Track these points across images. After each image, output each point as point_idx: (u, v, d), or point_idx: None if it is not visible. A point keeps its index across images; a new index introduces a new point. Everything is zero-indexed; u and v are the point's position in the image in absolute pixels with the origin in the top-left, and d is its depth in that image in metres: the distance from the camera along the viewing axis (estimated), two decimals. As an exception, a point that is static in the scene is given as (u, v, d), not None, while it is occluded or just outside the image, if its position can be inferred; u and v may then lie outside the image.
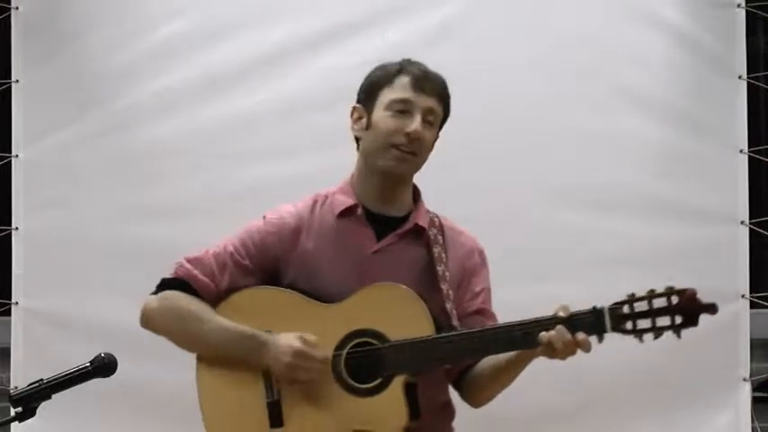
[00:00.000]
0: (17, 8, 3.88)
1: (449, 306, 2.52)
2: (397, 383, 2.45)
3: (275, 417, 2.52)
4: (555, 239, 3.73)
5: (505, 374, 2.52)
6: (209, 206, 3.77)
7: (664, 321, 2.33)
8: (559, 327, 2.36)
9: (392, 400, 2.45)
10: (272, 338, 2.52)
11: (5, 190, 3.92)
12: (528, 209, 3.73)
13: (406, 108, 2.55)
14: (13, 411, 2.17)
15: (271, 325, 2.55)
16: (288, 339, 2.50)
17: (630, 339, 3.45)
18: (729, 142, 3.87)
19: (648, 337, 2.35)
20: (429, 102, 2.57)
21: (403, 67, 2.60)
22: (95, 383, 2.23)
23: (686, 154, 3.85)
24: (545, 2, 3.84)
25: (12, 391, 2.23)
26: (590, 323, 2.36)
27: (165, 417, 3.75)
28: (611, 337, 3.41)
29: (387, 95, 2.57)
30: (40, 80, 3.88)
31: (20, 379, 3.77)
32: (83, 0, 3.89)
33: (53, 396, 2.18)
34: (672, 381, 3.78)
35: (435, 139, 2.63)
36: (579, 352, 2.38)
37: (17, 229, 3.87)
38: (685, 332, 3.74)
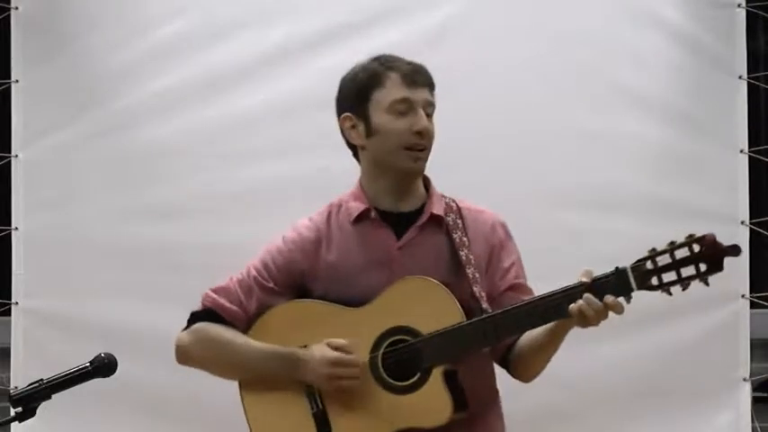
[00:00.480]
0: (17, 8, 3.87)
1: (476, 290, 2.53)
2: (437, 375, 2.46)
3: (323, 426, 2.54)
4: (555, 239, 3.73)
5: (545, 349, 2.53)
6: (209, 206, 3.78)
7: (689, 271, 2.32)
8: (586, 295, 2.36)
9: (434, 393, 2.45)
10: (308, 353, 2.54)
11: (5, 190, 3.92)
12: (528, 209, 3.72)
13: (407, 107, 2.55)
14: (13, 411, 2.17)
15: (306, 338, 2.57)
16: (321, 351, 2.51)
17: (629, 342, 3.45)
18: (729, 142, 3.87)
19: (676, 289, 2.34)
20: (424, 94, 2.59)
21: (386, 65, 2.59)
22: (95, 383, 2.23)
23: (686, 154, 3.85)
24: (545, 2, 3.84)
25: (12, 391, 2.23)
26: (615, 285, 2.36)
27: (164, 417, 3.75)
28: (611, 338, 3.41)
29: (382, 97, 2.56)
30: (40, 80, 3.88)
31: (20, 379, 3.76)
32: (83, 0, 3.89)
33: (53, 396, 2.18)
34: (672, 381, 3.78)
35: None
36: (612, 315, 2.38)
37: (17, 229, 3.87)
38: (685, 333, 3.78)
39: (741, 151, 3.87)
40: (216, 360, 2.63)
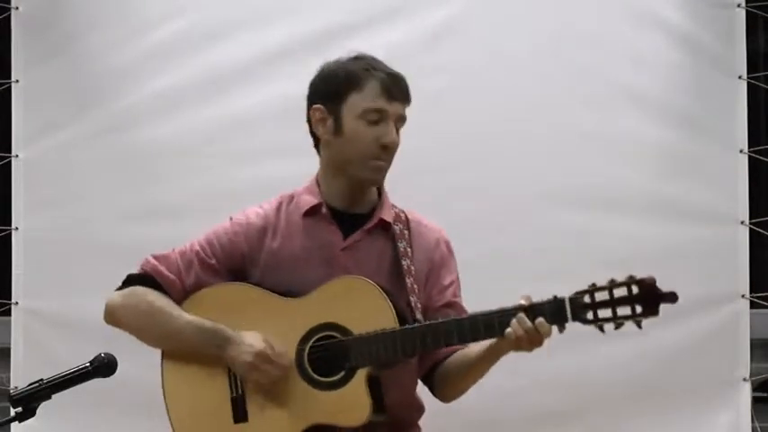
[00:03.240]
0: (17, 8, 3.88)
1: (413, 300, 2.53)
2: (360, 376, 2.46)
3: (239, 411, 2.54)
4: (554, 239, 3.73)
5: (475, 370, 2.52)
6: (209, 206, 3.76)
7: (625, 311, 2.31)
8: (520, 315, 2.36)
9: (355, 393, 2.46)
10: (237, 335, 2.53)
11: (5, 190, 3.92)
12: (527, 209, 3.72)
13: (380, 117, 2.56)
14: (13, 411, 2.17)
15: (236, 321, 2.56)
16: (252, 339, 2.51)
17: (629, 342, 3.44)
18: (729, 142, 3.87)
19: (609, 327, 2.33)
20: (399, 108, 2.58)
21: (369, 68, 2.59)
22: (95, 383, 2.23)
23: (686, 154, 3.85)
24: (545, 2, 3.84)
25: (12, 391, 2.23)
26: (551, 312, 2.36)
27: (164, 417, 3.73)
28: (611, 337, 3.41)
29: (357, 102, 2.56)
30: (40, 80, 3.88)
31: (20, 379, 3.77)
32: (83, 0, 3.89)
33: (53, 396, 2.18)
34: (672, 381, 3.78)
35: None
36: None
37: (17, 229, 3.87)
38: (685, 333, 3.78)
39: (741, 151, 3.87)
40: (144, 326, 2.63)
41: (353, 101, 2.57)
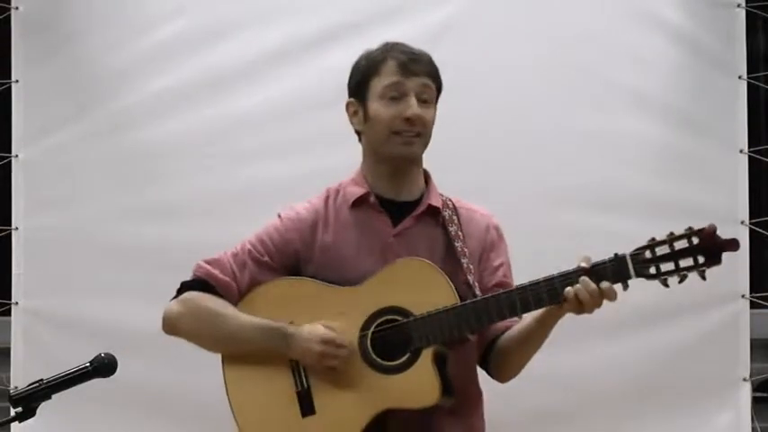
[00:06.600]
0: (17, 8, 3.88)
1: (471, 279, 2.53)
2: (426, 356, 2.44)
3: (306, 405, 2.52)
4: (555, 239, 3.73)
5: (533, 340, 2.51)
6: (209, 206, 3.78)
7: (687, 263, 2.30)
8: (583, 278, 2.36)
9: (422, 374, 2.44)
10: (297, 330, 2.52)
11: (5, 190, 3.92)
12: (528, 209, 3.72)
13: (398, 93, 2.57)
14: (13, 411, 2.17)
15: (294, 314, 2.55)
16: (312, 328, 2.50)
17: (629, 342, 3.42)
18: (729, 142, 3.87)
19: (673, 280, 2.32)
20: (419, 82, 2.59)
21: (387, 52, 2.61)
22: (95, 383, 2.23)
23: (686, 154, 3.85)
24: (545, 2, 3.84)
25: (12, 391, 2.23)
26: (613, 271, 2.35)
27: (164, 416, 3.75)
28: (611, 337, 3.39)
29: (377, 85, 2.59)
30: (40, 80, 3.88)
31: (20, 379, 3.77)
32: (83, 0, 3.90)
33: (53, 396, 2.18)
34: (672, 381, 3.78)
35: (435, 115, 2.64)
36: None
37: (17, 229, 3.87)
38: (685, 333, 3.78)
39: (741, 151, 3.87)
40: (204, 331, 2.60)
41: (374, 85, 2.59)
